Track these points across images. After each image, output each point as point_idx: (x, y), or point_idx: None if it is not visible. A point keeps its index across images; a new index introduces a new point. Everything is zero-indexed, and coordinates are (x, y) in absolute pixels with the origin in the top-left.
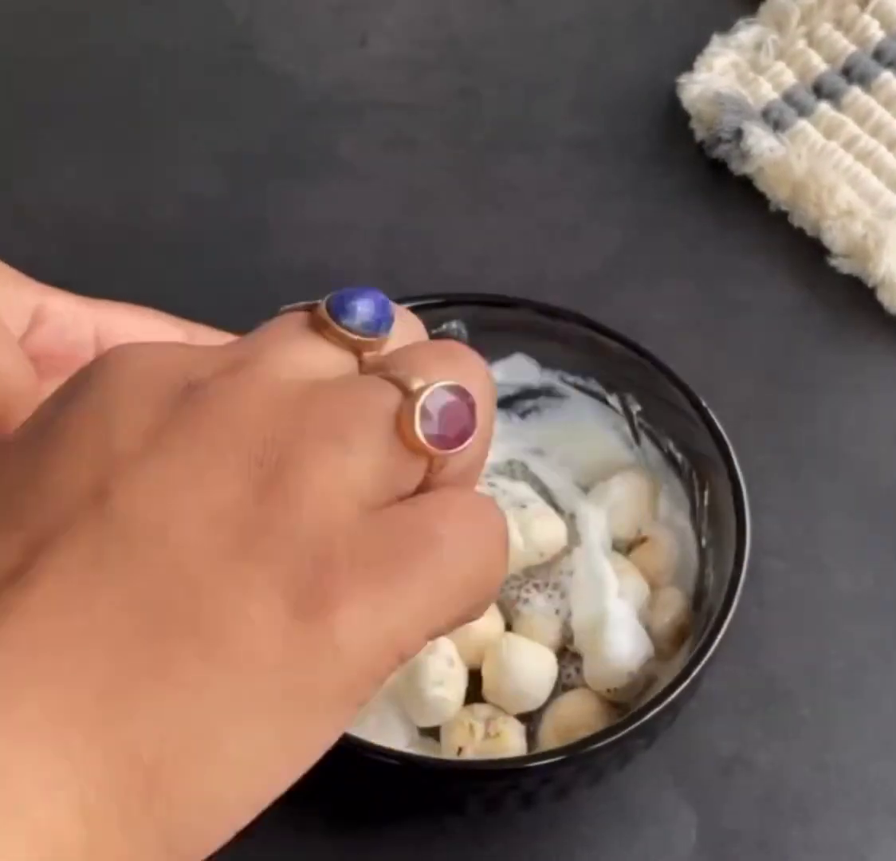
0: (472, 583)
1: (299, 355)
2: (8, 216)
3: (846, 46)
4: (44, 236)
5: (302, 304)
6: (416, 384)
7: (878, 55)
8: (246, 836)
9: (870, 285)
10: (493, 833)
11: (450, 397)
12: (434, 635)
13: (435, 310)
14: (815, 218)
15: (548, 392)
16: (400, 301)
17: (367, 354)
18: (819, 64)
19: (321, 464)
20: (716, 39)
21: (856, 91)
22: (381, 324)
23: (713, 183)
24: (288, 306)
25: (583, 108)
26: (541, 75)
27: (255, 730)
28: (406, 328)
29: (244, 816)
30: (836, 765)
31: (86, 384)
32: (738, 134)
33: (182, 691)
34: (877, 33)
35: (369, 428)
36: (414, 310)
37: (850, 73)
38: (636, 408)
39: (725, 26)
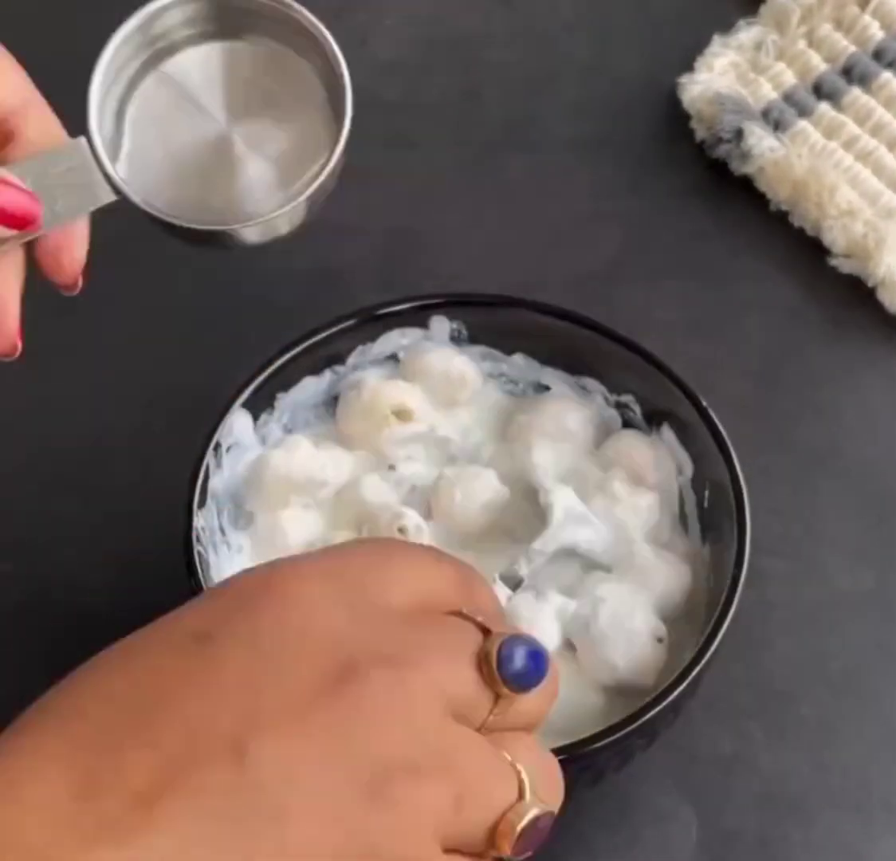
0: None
1: (453, 683)
2: None
3: (846, 47)
4: None
5: (479, 618)
6: (529, 795)
7: (878, 55)
8: None
9: (870, 285)
10: None
11: (542, 823)
12: None
13: (435, 310)
14: (816, 218)
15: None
16: (400, 301)
17: (502, 700)
18: (819, 64)
19: (431, 807)
20: (716, 40)
21: (856, 91)
22: (531, 682)
23: (713, 183)
24: (462, 611)
25: (583, 108)
26: (541, 76)
27: None
28: (549, 688)
29: None
30: (836, 764)
31: (250, 613)
32: (739, 134)
33: None
34: (877, 33)
35: (482, 806)
36: (414, 310)
37: (851, 73)
38: (636, 408)
39: (726, 26)
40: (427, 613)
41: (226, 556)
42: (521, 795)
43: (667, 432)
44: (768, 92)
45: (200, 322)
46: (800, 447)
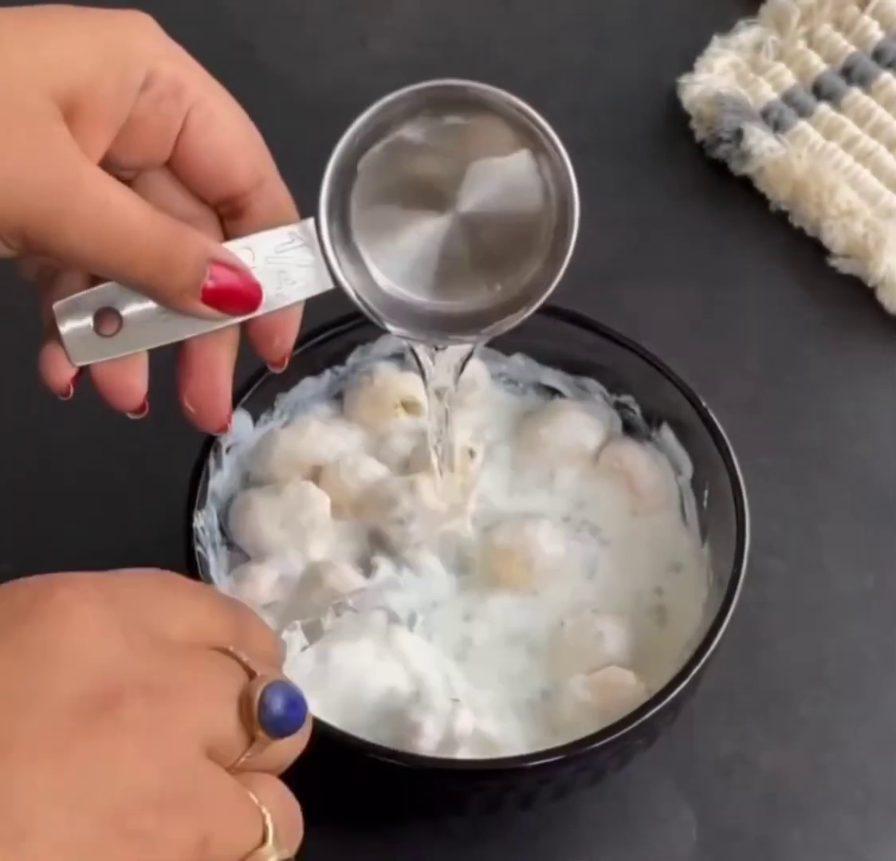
0: None
1: (213, 724)
2: None
3: (846, 47)
4: None
5: (244, 657)
6: (271, 838)
7: (878, 56)
8: None
9: (870, 285)
10: (493, 833)
11: None
12: None
13: None
14: (815, 218)
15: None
16: None
17: (258, 742)
18: (819, 64)
19: (179, 846)
20: (716, 40)
21: (856, 92)
22: (289, 730)
23: (713, 183)
24: (227, 649)
25: (583, 108)
26: (541, 76)
27: None
28: (304, 731)
29: None
30: (836, 765)
31: (21, 627)
32: (739, 134)
33: None
34: (876, 34)
35: (226, 846)
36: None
37: (850, 73)
38: (636, 408)
39: (725, 27)
40: (197, 649)
41: (225, 555)
42: (264, 840)
43: (666, 433)
44: (768, 92)
45: None
46: (799, 447)
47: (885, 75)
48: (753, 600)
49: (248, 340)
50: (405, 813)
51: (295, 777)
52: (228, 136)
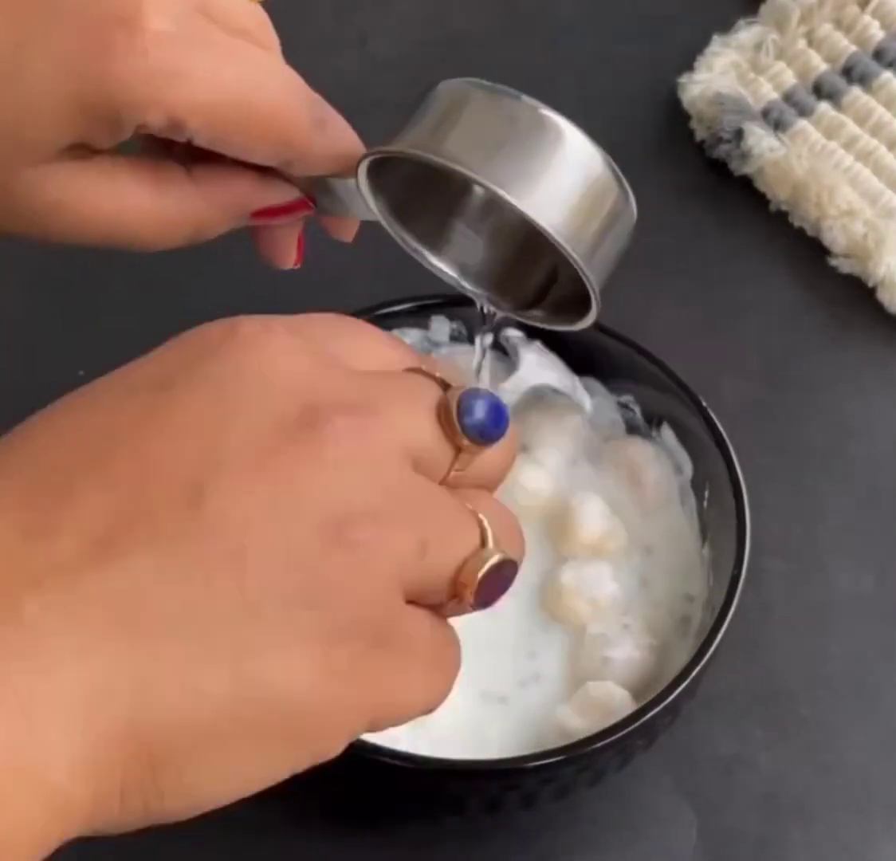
0: (429, 703)
1: (414, 431)
2: None
3: (846, 46)
4: None
5: (437, 374)
6: (491, 542)
7: (879, 55)
8: None
9: (870, 285)
10: (493, 833)
11: (506, 570)
12: (390, 726)
13: (435, 310)
14: (816, 218)
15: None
16: (400, 301)
17: (463, 454)
18: (819, 64)
19: (395, 554)
20: (716, 39)
21: (856, 91)
22: (492, 434)
23: (713, 183)
24: (418, 366)
25: (583, 107)
26: (541, 75)
27: (248, 751)
28: (508, 443)
29: (207, 808)
30: (837, 765)
31: (214, 359)
32: (739, 134)
33: (198, 698)
34: (877, 33)
35: (445, 551)
36: (414, 309)
37: (851, 73)
38: (636, 408)
39: (726, 26)
40: (386, 371)
41: None
42: (483, 543)
43: (667, 433)
44: (768, 92)
45: (200, 322)
46: (800, 447)
47: (886, 74)
48: (753, 600)
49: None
50: (405, 813)
51: (295, 777)
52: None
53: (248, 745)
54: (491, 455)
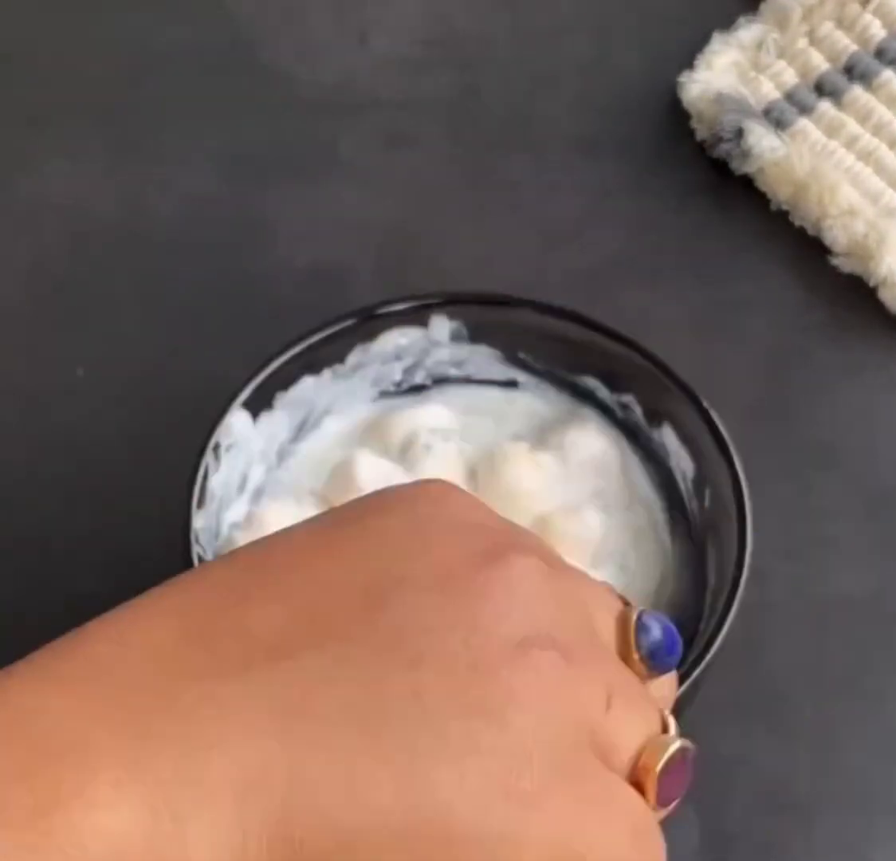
0: None
1: (600, 615)
2: (8, 216)
3: (847, 45)
4: (44, 236)
5: (622, 604)
6: (673, 729)
7: (880, 54)
8: None
9: (871, 285)
10: None
11: (685, 765)
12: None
13: (435, 309)
14: (817, 217)
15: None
16: (400, 301)
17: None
18: (820, 63)
19: (584, 690)
20: (717, 38)
21: (857, 90)
22: (663, 664)
23: (714, 182)
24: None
25: (583, 107)
26: (541, 74)
27: None
28: (673, 677)
29: None
30: (838, 766)
31: (405, 506)
32: (739, 133)
33: (365, 809)
34: (878, 32)
35: (631, 711)
36: (414, 309)
37: (852, 71)
38: (637, 408)
39: (726, 25)
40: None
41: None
42: (664, 729)
43: (667, 432)
44: (769, 91)
45: (200, 321)
46: (801, 447)
47: (887, 73)
48: (755, 600)
49: None
50: None
51: None
52: None
53: (401, 858)
54: (660, 684)
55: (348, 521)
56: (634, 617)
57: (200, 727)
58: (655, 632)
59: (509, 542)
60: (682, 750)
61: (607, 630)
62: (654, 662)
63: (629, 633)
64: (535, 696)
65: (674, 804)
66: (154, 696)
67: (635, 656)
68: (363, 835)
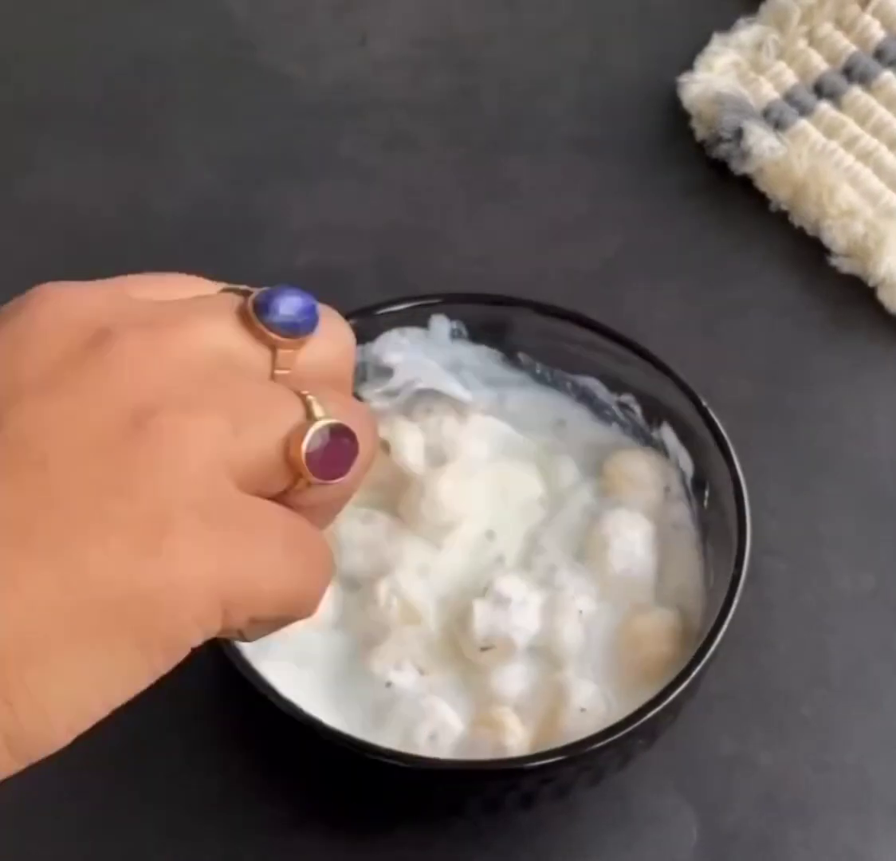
0: (298, 590)
1: (216, 336)
2: (8, 216)
3: (847, 46)
4: (44, 236)
5: (242, 287)
6: (318, 412)
7: (879, 55)
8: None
9: (870, 285)
10: (494, 833)
11: (343, 439)
12: (251, 613)
13: (435, 309)
14: (816, 217)
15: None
16: (400, 301)
17: (280, 352)
18: (820, 63)
19: (206, 434)
20: (716, 39)
21: (856, 91)
22: (300, 327)
23: (714, 182)
24: (227, 287)
25: (583, 107)
26: (541, 75)
27: (88, 649)
28: (331, 333)
29: (79, 725)
30: (837, 765)
31: (11, 315)
32: (739, 133)
33: (26, 603)
34: (877, 33)
35: (262, 425)
36: (414, 309)
37: (851, 72)
38: (637, 408)
39: (726, 26)
40: (188, 300)
41: None
42: (309, 416)
43: (667, 432)
44: (769, 91)
45: None
46: (800, 447)
47: (886, 74)
48: (753, 600)
49: None
50: (405, 813)
51: (296, 776)
52: None
53: (86, 642)
54: (317, 348)
55: None
56: (251, 303)
57: None
58: (280, 308)
59: (112, 321)
60: (324, 428)
61: (233, 336)
62: (291, 332)
63: (253, 320)
64: (157, 460)
65: (350, 475)
66: None
67: (273, 337)
68: (38, 631)
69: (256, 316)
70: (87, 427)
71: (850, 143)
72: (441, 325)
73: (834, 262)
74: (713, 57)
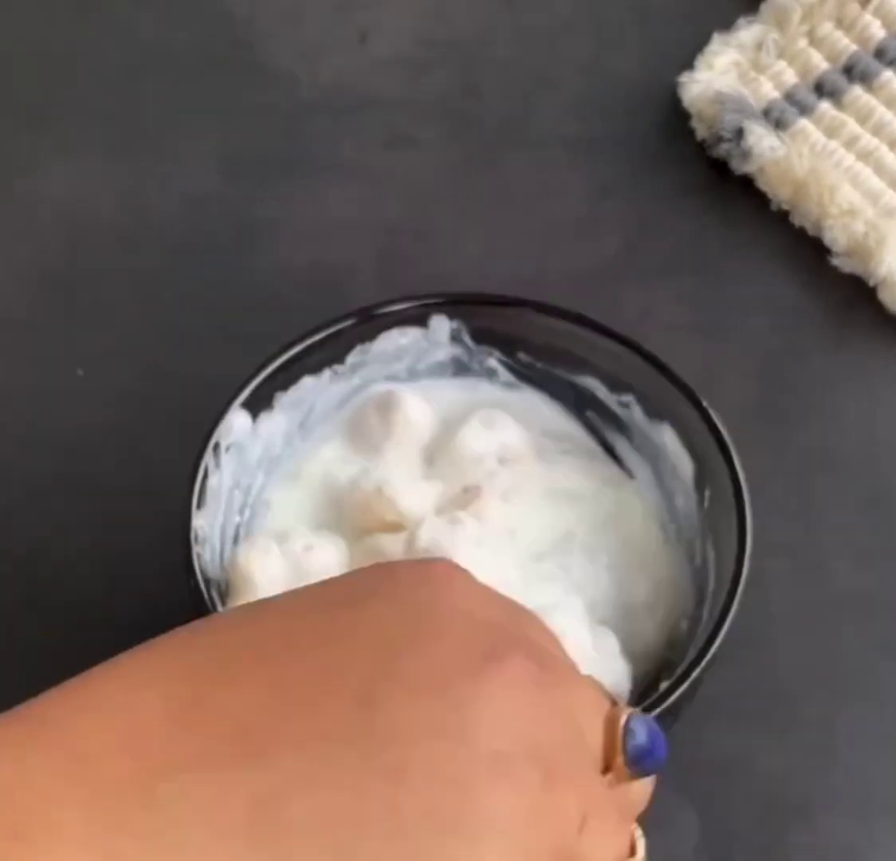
0: None
1: (584, 712)
2: (8, 216)
3: (847, 45)
4: (43, 236)
5: (609, 705)
6: (640, 853)
7: (880, 54)
8: None
9: (871, 284)
10: None
11: None
12: None
13: (435, 309)
14: (817, 217)
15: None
16: (400, 301)
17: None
18: (820, 63)
19: (557, 819)
20: (716, 38)
21: (857, 90)
22: (646, 768)
23: (714, 182)
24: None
25: (583, 107)
26: (541, 74)
27: None
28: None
29: None
30: (838, 766)
31: (407, 587)
32: (739, 133)
33: None
34: (878, 32)
35: (597, 841)
36: (414, 309)
37: (852, 72)
38: (637, 407)
39: (726, 25)
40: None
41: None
42: (632, 852)
43: (667, 432)
44: (769, 91)
45: (200, 321)
46: (801, 447)
47: (887, 73)
48: (754, 600)
49: None
50: None
51: None
52: None
53: None
54: (634, 788)
55: (345, 603)
56: (622, 720)
57: (172, 824)
58: (641, 736)
59: (506, 641)
60: None
61: (594, 733)
62: (638, 766)
63: (617, 738)
64: (512, 817)
65: None
66: (130, 786)
67: (619, 760)
68: None
69: (622, 741)
70: (454, 752)
71: (850, 143)
72: (441, 325)
73: (835, 261)
74: (713, 56)
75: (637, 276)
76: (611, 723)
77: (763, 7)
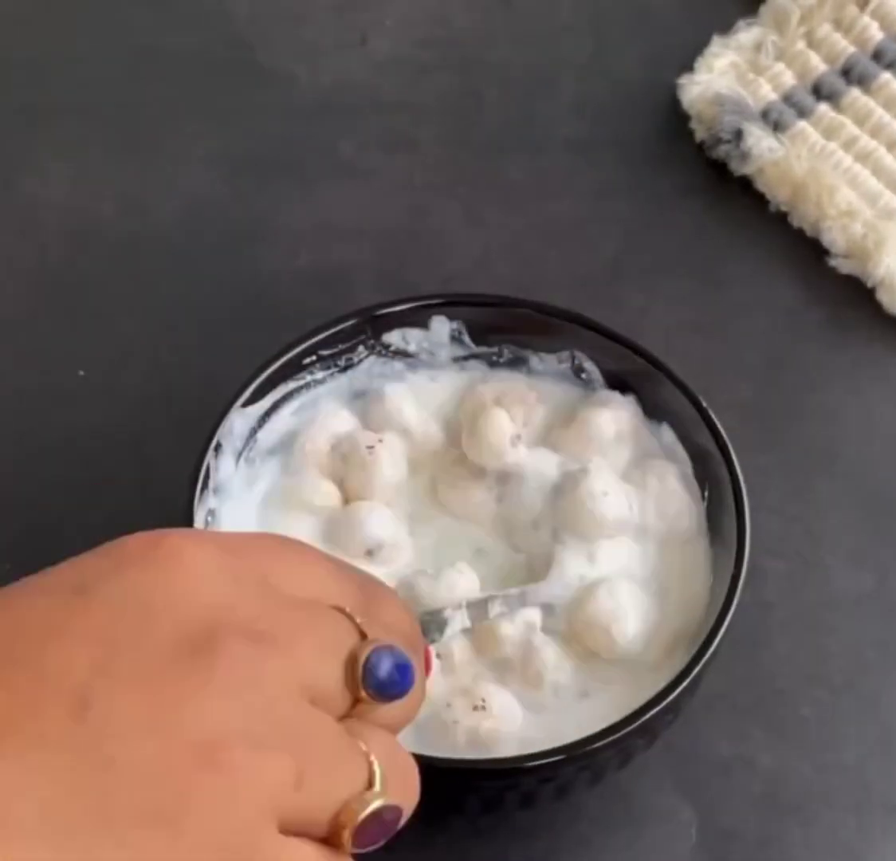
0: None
1: (314, 676)
2: (8, 216)
3: (846, 47)
4: (44, 236)
5: (359, 621)
6: (379, 786)
7: (878, 56)
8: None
9: (869, 285)
10: (493, 832)
11: (388, 815)
12: None
13: (435, 310)
14: (815, 218)
15: None
16: (400, 301)
17: (360, 705)
18: (819, 65)
19: (268, 781)
20: (716, 40)
21: (855, 92)
22: (391, 692)
23: (713, 183)
24: (348, 610)
25: (583, 108)
26: (541, 76)
27: None
28: (412, 696)
29: None
30: (836, 764)
31: (132, 570)
32: (738, 134)
33: None
34: (876, 34)
35: (325, 783)
36: (414, 310)
37: (850, 73)
38: (637, 407)
39: (725, 27)
40: (311, 604)
41: None
42: (369, 785)
43: (667, 432)
44: (768, 92)
45: (200, 322)
46: (799, 447)
47: (885, 76)
48: (753, 600)
49: None
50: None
51: None
52: None
53: None
54: (391, 708)
55: (77, 589)
56: (363, 657)
57: None
58: (382, 670)
59: (223, 626)
60: (379, 810)
61: (330, 675)
62: (384, 696)
63: (356, 676)
64: (213, 801)
65: (373, 847)
66: None
67: (363, 694)
68: None
69: (362, 675)
70: (162, 746)
71: (848, 144)
72: (441, 325)
73: (833, 262)
74: (713, 58)
75: (637, 276)
76: (352, 660)
77: (762, 9)
